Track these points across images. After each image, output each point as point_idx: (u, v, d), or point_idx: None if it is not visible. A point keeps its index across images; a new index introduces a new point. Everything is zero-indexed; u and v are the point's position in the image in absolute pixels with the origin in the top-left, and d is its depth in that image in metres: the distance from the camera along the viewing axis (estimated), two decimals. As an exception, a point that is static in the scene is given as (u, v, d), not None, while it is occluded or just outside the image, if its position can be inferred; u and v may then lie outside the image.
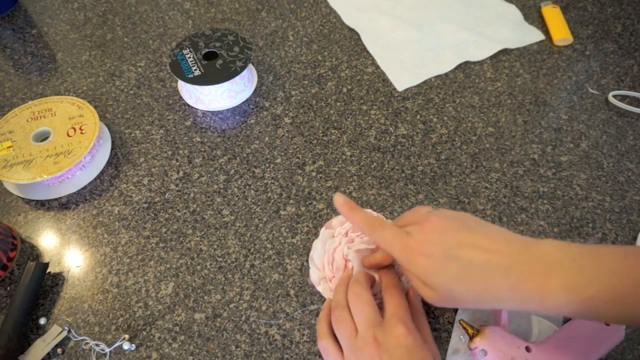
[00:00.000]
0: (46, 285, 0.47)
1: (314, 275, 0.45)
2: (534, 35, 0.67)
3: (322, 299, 0.45)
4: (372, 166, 0.54)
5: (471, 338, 0.39)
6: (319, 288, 0.44)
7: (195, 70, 0.57)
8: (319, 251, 0.45)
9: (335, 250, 0.44)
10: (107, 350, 0.42)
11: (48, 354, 0.42)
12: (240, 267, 0.47)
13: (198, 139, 0.57)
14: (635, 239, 0.48)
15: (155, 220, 0.51)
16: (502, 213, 0.50)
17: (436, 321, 0.43)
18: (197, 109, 0.60)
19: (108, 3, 0.75)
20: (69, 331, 0.43)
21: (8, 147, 0.53)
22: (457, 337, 0.42)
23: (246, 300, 0.45)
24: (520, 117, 0.58)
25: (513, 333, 0.40)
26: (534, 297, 0.30)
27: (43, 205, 0.52)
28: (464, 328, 0.40)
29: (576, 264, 0.30)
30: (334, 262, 0.43)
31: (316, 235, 0.48)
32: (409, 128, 0.57)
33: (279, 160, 0.55)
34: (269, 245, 0.48)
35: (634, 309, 0.29)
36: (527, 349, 0.38)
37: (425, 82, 0.62)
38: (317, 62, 0.65)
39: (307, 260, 0.47)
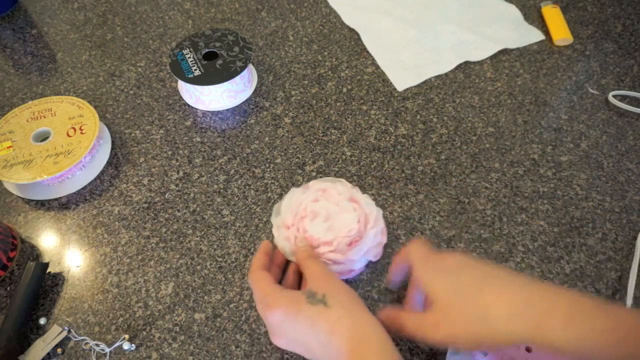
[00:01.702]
0: (46, 285, 0.47)
1: (274, 221, 0.47)
2: (534, 35, 0.67)
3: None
4: (372, 166, 0.54)
5: None
6: (274, 231, 0.46)
7: (195, 70, 0.57)
8: (285, 203, 0.47)
9: (301, 203, 0.46)
10: (107, 350, 0.42)
11: (48, 354, 0.42)
12: (240, 267, 0.47)
13: (198, 139, 0.57)
14: (635, 238, 0.48)
15: (155, 220, 0.51)
16: (502, 213, 0.50)
17: (436, 321, 0.43)
18: (197, 109, 0.60)
19: (108, 3, 0.75)
20: (69, 331, 0.43)
21: (8, 147, 0.53)
22: None
23: (246, 300, 0.45)
24: (520, 117, 0.58)
25: None
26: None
27: (43, 205, 0.52)
28: None
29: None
30: (297, 214, 0.45)
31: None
32: (409, 128, 0.57)
33: (279, 160, 0.55)
34: (269, 245, 0.48)
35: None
36: (527, 349, 0.38)
37: (425, 82, 0.62)
38: (317, 62, 0.65)
39: (307, 260, 0.47)
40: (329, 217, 0.44)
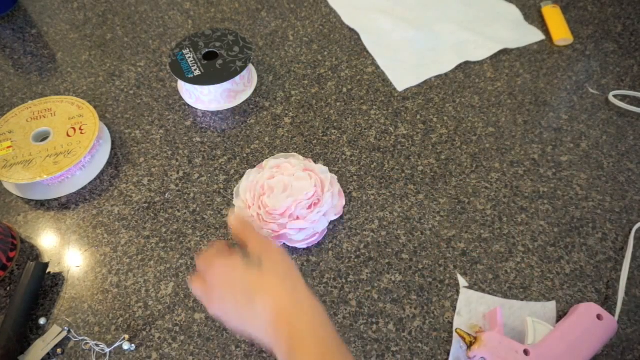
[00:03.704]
0: (46, 285, 0.47)
1: (236, 203, 0.50)
2: (534, 35, 0.67)
3: (322, 299, 0.45)
4: (372, 166, 0.54)
5: (469, 347, 0.39)
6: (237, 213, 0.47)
7: (195, 70, 0.57)
8: (244, 185, 0.50)
9: (257, 182, 0.49)
10: (107, 350, 0.42)
11: (48, 354, 0.42)
12: (240, 267, 0.47)
13: (198, 139, 0.57)
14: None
15: (155, 220, 0.51)
16: (502, 213, 0.50)
17: (436, 321, 0.43)
18: (197, 109, 0.60)
19: (108, 3, 0.75)
20: (69, 331, 0.43)
21: (8, 147, 0.53)
22: (458, 345, 0.42)
23: (246, 300, 0.45)
24: (520, 117, 0.58)
25: (508, 336, 0.40)
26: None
27: (43, 205, 0.52)
28: (461, 337, 0.40)
29: None
30: (255, 193, 0.48)
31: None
32: (409, 128, 0.57)
33: (279, 160, 0.55)
34: (269, 245, 0.48)
35: None
36: (526, 352, 0.38)
37: (425, 82, 0.62)
38: (317, 62, 0.65)
39: (307, 260, 0.47)
40: (286, 188, 0.47)
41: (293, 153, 0.53)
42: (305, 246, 0.47)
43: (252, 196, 0.48)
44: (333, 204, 0.49)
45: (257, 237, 0.38)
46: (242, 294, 0.35)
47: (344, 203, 0.50)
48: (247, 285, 0.35)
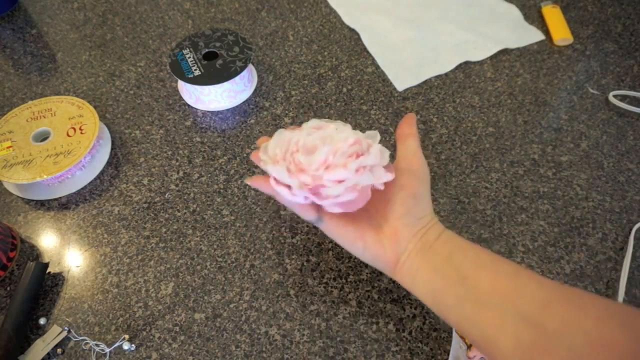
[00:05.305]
0: (46, 285, 0.47)
1: (262, 158, 0.38)
2: (534, 35, 0.67)
3: (322, 299, 0.45)
4: (372, 166, 0.54)
5: (469, 347, 0.39)
6: (263, 167, 0.38)
7: (195, 70, 0.57)
8: (272, 142, 0.39)
9: (291, 139, 0.37)
10: (107, 350, 0.42)
11: (48, 354, 0.42)
12: (240, 267, 0.47)
13: (198, 139, 0.57)
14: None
15: (155, 220, 0.51)
16: (502, 213, 0.50)
17: (436, 321, 0.43)
18: (197, 109, 0.60)
19: (108, 3, 0.75)
20: (69, 331, 0.43)
21: (8, 147, 0.53)
22: (458, 345, 0.42)
23: (246, 300, 0.45)
24: (520, 117, 0.58)
25: None
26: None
27: (43, 205, 0.52)
28: (461, 337, 0.40)
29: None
30: (288, 149, 0.37)
31: (317, 235, 0.48)
32: (409, 128, 0.57)
33: (279, 160, 0.55)
34: (269, 245, 0.48)
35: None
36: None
37: (425, 82, 0.62)
38: (317, 62, 0.65)
39: (307, 260, 0.47)
40: (325, 142, 0.36)
41: (338, 120, 0.40)
42: (340, 209, 0.35)
43: (283, 151, 0.37)
44: (382, 162, 0.36)
45: None
46: None
47: (391, 177, 0.36)
48: None
